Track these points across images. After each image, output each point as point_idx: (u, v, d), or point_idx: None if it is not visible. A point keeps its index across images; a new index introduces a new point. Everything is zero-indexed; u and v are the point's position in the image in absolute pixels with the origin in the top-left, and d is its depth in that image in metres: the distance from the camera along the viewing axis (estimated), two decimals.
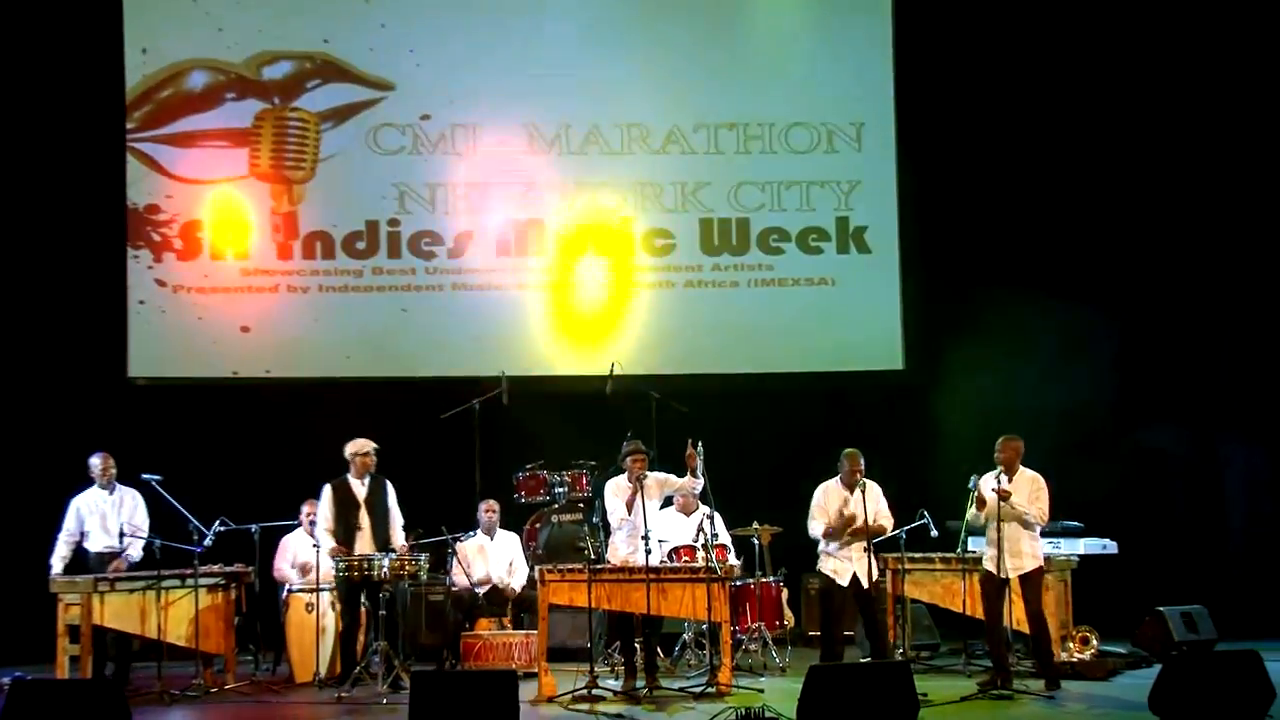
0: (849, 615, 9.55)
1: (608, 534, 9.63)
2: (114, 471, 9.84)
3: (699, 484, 9.40)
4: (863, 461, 9.33)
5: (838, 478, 9.39)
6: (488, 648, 10.00)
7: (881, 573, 10.04)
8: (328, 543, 9.52)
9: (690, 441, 9.23)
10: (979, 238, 12.67)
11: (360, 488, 9.65)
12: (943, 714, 8.35)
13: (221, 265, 12.55)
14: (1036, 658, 9.21)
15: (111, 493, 9.86)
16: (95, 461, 9.87)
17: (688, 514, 10.45)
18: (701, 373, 12.56)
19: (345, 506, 9.59)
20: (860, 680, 7.28)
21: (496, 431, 11.54)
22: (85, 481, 9.94)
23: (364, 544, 9.53)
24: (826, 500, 9.36)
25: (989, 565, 9.08)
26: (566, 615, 10.35)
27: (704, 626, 9.76)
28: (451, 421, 11.38)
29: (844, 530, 9.22)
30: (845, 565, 9.24)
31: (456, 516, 10.74)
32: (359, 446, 9.69)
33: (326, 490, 9.65)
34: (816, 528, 9.34)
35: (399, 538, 9.68)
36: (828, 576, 9.31)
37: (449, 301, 12.67)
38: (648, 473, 9.43)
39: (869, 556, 9.19)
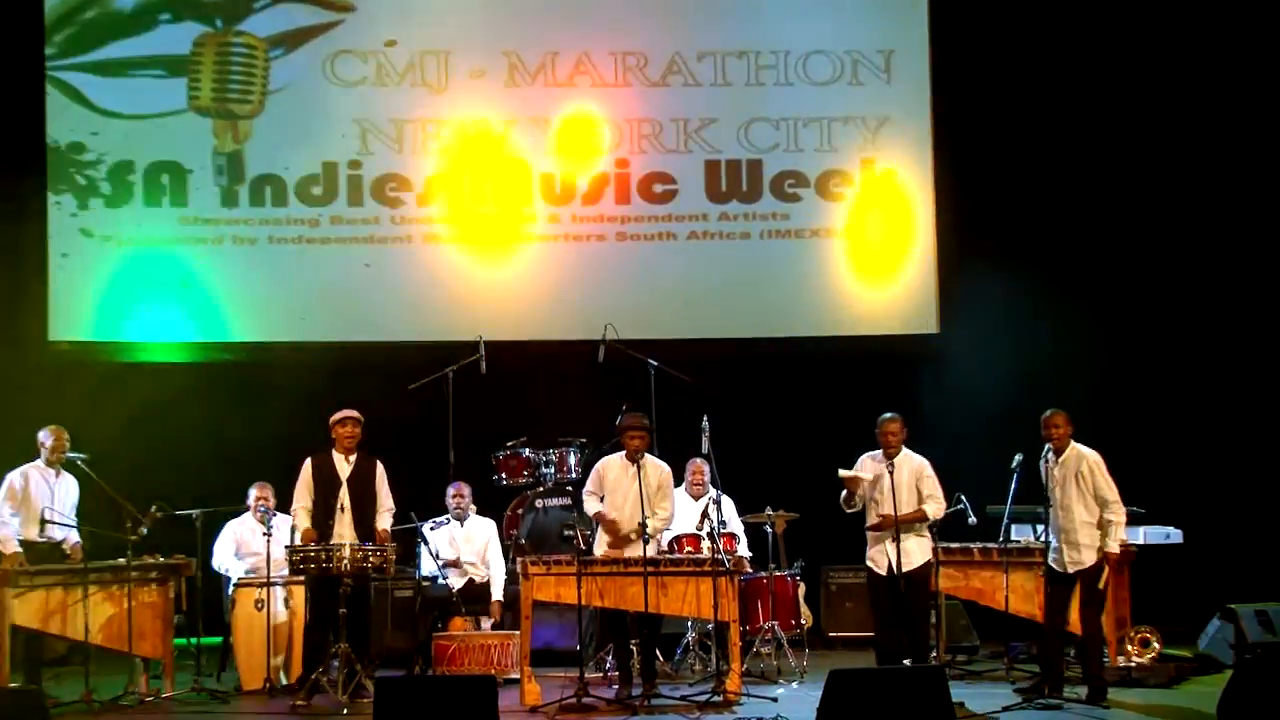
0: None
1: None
2: (68, 447, 9.75)
3: (665, 520, 9.37)
4: (899, 426, 9.29)
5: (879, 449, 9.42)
6: (463, 650, 9.98)
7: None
8: (302, 523, 9.49)
9: (704, 419, 9.08)
10: (1026, 183, 12.58)
11: (344, 465, 9.63)
12: None
13: (156, 213, 12.44)
14: (1081, 663, 9.21)
15: (58, 475, 9.79)
16: (46, 437, 9.76)
17: (695, 498, 10.42)
18: (707, 337, 12.50)
19: (324, 484, 9.56)
20: (887, 687, 7.30)
21: (473, 404, 11.48)
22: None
23: (344, 529, 9.50)
24: (859, 470, 9.36)
25: (1053, 560, 9.07)
26: (553, 614, 10.32)
27: (709, 627, 9.72)
28: (421, 393, 11.32)
29: (851, 496, 9.19)
30: (879, 551, 9.22)
31: (428, 501, 10.71)
32: (335, 417, 9.68)
33: (306, 464, 9.64)
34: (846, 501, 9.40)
35: (385, 521, 9.63)
36: (868, 567, 9.33)
37: (418, 255, 12.59)
38: (648, 456, 9.38)
39: (897, 541, 9.15)
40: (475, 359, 11.44)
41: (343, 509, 9.53)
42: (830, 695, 7.19)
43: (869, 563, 9.32)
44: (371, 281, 12.52)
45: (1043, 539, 9.35)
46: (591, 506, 9.45)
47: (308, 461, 9.64)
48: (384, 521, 9.64)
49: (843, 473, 9.27)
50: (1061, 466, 9.07)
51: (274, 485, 10.26)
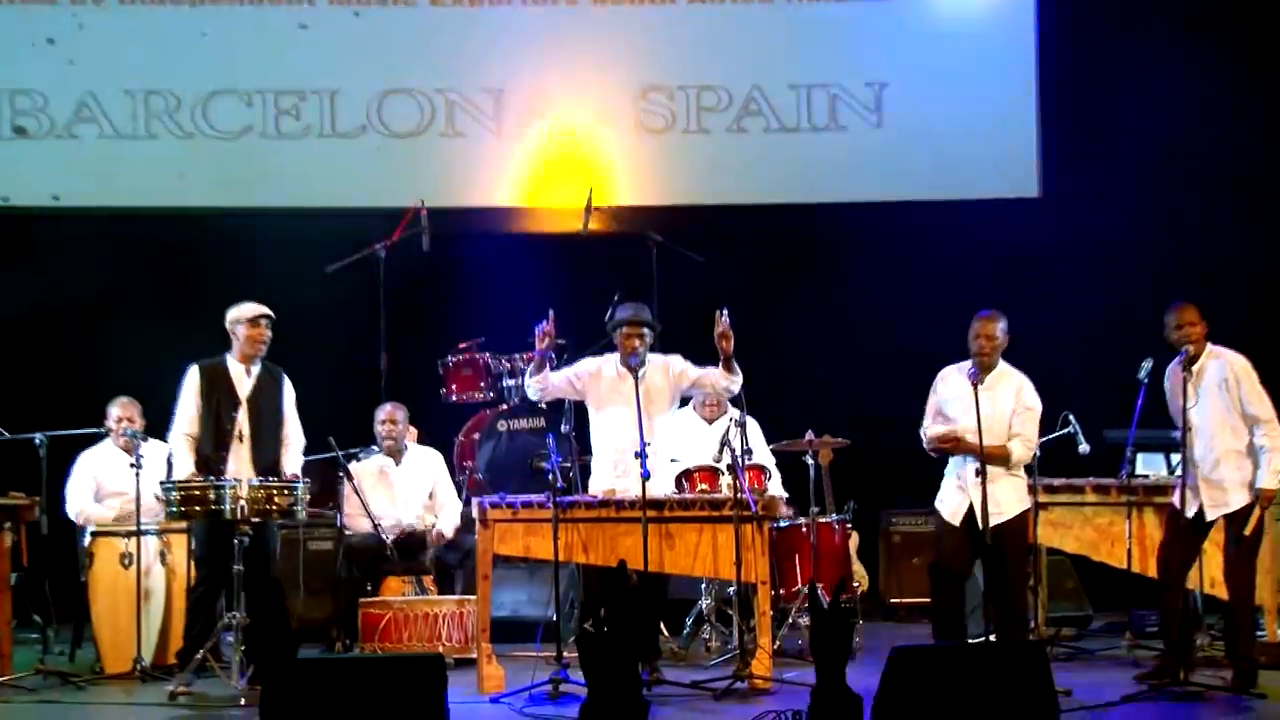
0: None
1: (585, 448, 9.56)
2: None
3: (738, 379, 9.33)
4: (999, 329, 9.07)
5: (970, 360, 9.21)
6: (400, 622, 9.98)
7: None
8: (184, 462, 9.40)
9: (719, 312, 9.09)
10: None
11: (245, 379, 9.57)
12: None
13: None
14: (1226, 638, 9.20)
15: None
16: None
17: (710, 421, 10.41)
18: (726, 203, 12.53)
19: (218, 404, 9.48)
20: (969, 669, 7.24)
21: (413, 294, 11.57)
22: None
23: (240, 465, 9.45)
24: (946, 391, 9.16)
25: (1179, 500, 8.98)
26: (521, 573, 10.41)
27: (730, 591, 9.75)
28: (342, 278, 11.35)
29: (948, 447, 9.11)
30: (958, 496, 9.12)
31: (352, 425, 10.73)
32: (243, 312, 9.52)
33: (191, 374, 9.53)
34: (926, 433, 9.21)
35: (294, 462, 9.63)
36: (941, 517, 9.19)
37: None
38: (650, 356, 9.36)
39: (984, 482, 9.02)
40: (416, 232, 11.43)
41: (240, 438, 9.48)
42: (892, 680, 7.12)
43: (940, 509, 9.20)
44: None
45: (1177, 473, 9.21)
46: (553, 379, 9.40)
47: (194, 371, 9.53)
48: (294, 462, 9.60)
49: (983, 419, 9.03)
50: (1197, 377, 8.93)
51: (141, 402, 10.20)
